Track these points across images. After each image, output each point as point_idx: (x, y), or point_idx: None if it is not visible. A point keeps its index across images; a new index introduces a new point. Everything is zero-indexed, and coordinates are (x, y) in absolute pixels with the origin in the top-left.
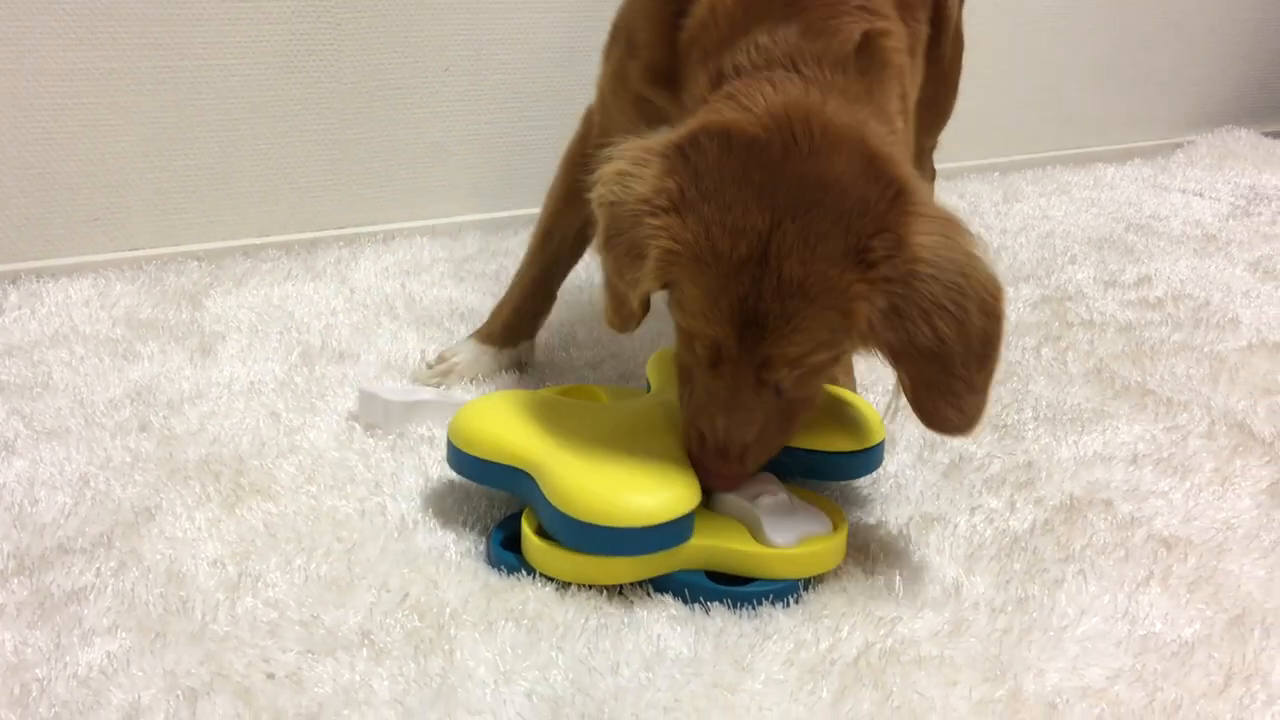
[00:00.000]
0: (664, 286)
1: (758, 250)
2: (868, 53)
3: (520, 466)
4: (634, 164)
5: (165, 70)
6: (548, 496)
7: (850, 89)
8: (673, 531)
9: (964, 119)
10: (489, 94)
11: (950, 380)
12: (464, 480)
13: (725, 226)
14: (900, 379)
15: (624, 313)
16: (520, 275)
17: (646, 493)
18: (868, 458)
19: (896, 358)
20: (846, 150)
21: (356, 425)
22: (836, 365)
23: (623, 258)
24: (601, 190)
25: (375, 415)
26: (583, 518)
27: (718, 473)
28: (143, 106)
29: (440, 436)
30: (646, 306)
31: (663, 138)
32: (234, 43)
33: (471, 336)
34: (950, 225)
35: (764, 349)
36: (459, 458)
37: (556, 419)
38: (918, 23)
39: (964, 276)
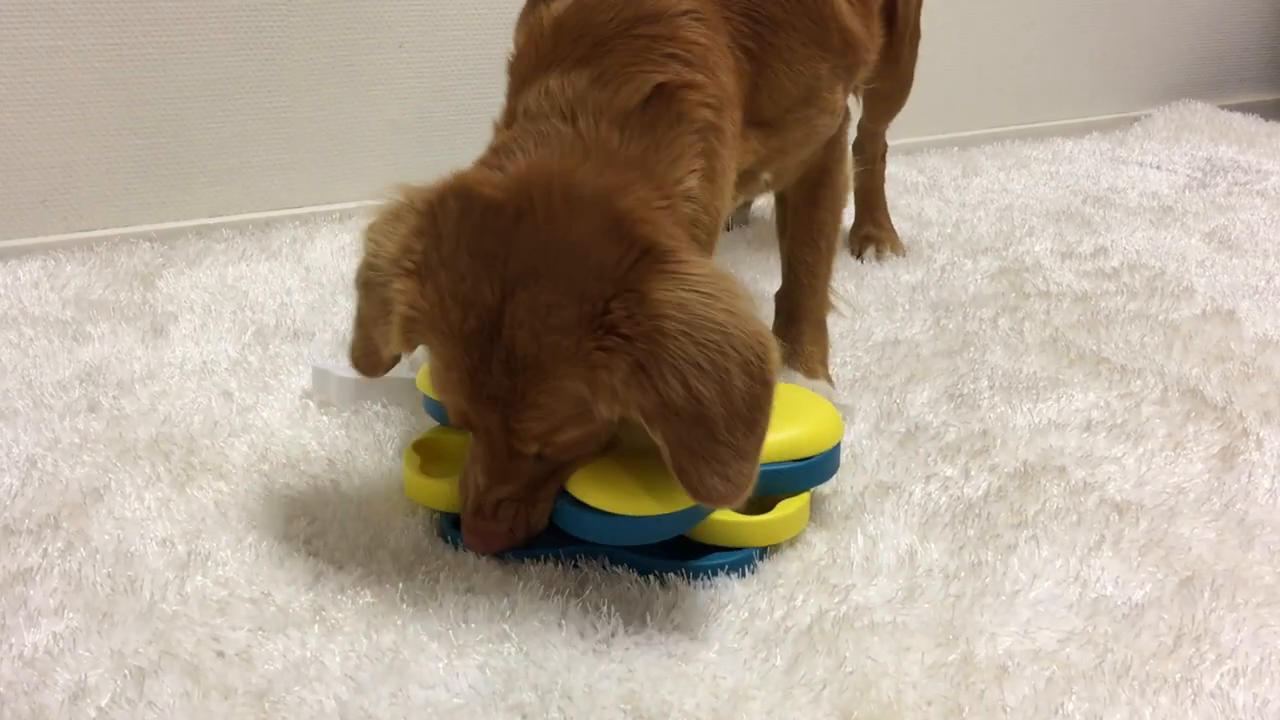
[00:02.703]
0: (413, 349)
1: (488, 323)
2: (660, 106)
3: None
4: (391, 218)
5: (113, 48)
6: None
7: (623, 148)
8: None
9: (923, 94)
10: (444, 70)
11: (714, 446)
12: None
13: (458, 297)
14: (659, 444)
15: (373, 360)
16: None
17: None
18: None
19: (651, 420)
20: (588, 215)
21: (310, 403)
22: (604, 431)
23: (375, 311)
24: (363, 241)
25: (329, 392)
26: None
27: (474, 529)
28: (90, 85)
29: (395, 413)
30: (397, 359)
31: (424, 191)
32: (182, 20)
33: None
34: (711, 283)
35: (506, 423)
36: (433, 406)
37: None
38: (769, 69)
39: (723, 335)
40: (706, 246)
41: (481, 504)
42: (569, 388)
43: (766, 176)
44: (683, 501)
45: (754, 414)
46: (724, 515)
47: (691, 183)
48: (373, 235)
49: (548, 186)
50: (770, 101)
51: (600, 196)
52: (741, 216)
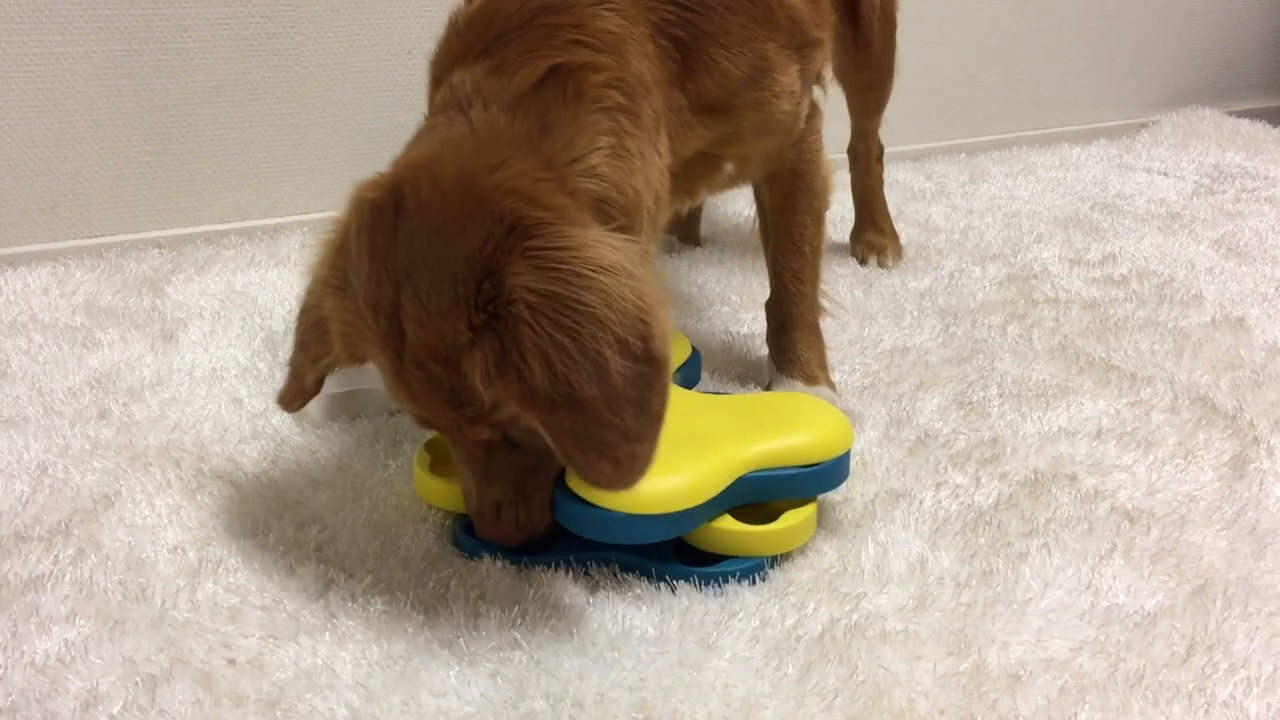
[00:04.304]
0: (363, 362)
1: (393, 321)
2: (554, 87)
3: None
4: (324, 241)
5: (123, 55)
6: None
7: (509, 128)
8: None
9: (931, 101)
10: None
11: (598, 429)
12: None
13: (368, 303)
14: (541, 431)
15: (294, 388)
16: None
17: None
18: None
19: (524, 407)
20: (453, 198)
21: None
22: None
23: (309, 332)
24: (308, 262)
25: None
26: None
27: (484, 532)
28: (100, 92)
29: (404, 421)
30: (319, 386)
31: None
32: (191, 27)
33: None
34: (581, 258)
35: (447, 413)
36: None
37: None
38: (704, 54)
39: (588, 315)
40: (629, 229)
41: (482, 510)
42: (464, 370)
43: (729, 168)
44: (685, 501)
45: (642, 393)
46: (729, 524)
47: (595, 159)
48: (313, 259)
49: (416, 178)
50: (714, 85)
51: (466, 176)
52: (690, 233)
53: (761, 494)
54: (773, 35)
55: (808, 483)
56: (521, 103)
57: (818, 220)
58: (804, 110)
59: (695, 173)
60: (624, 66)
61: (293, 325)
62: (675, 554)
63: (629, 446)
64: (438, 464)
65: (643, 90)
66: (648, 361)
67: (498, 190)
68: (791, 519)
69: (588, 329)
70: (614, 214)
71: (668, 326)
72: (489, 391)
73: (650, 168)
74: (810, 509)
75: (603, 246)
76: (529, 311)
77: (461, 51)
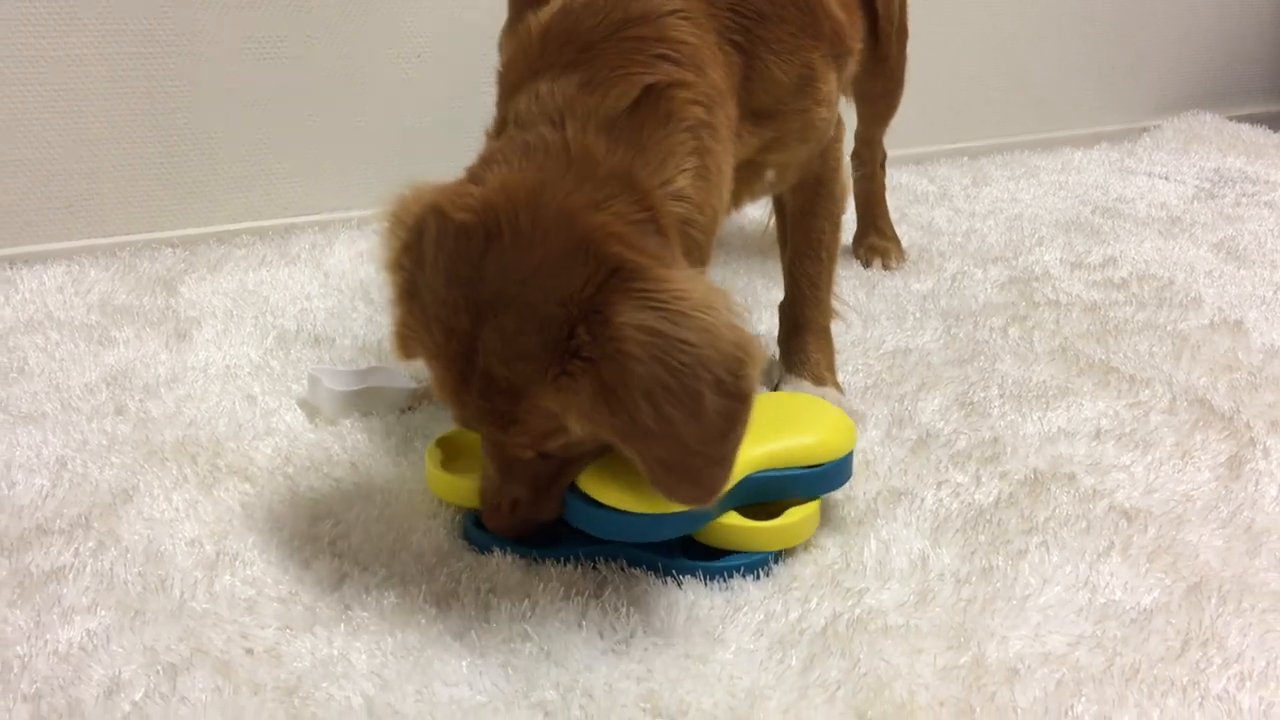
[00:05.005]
0: (415, 358)
1: (466, 348)
2: (648, 107)
3: None
4: (392, 223)
5: (136, 57)
6: None
7: (609, 155)
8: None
9: (933, 104)
10: (462, 80)
11: (689, 459)
12: None
13: (440, 322)
14: (633, 459)
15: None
16: None
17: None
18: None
19: (623, 440)
20: (554, 236)
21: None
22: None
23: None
24: (379, 226)
25: (319, 400)
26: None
27: (491, 521)
28: (114, 93)
29: (416, 418)
30: None
31: (413, 205)
32: (205, 30)
33: None
34: (683, 299)
35: (498, 435)
36: None
37: None
38: (759, 60)
39: (693, 355)
40: (702, 246)
41: (497, 502)
42: (542, 407)
43: (770, 175)
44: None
45: (729, 426)
46: (734, 520)
47: (683, 182)
48: (382, 227)
49: (514, 207)
50: (764, 93)
51: (568, 215)
52: None
53: (767, 493)
54: (818, 44)
55: (812, 483)
56: (617, 124)
57: (835, 226)
58: (835, 117)
59: (740, 181)
60: (705, 79)
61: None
62: (681, 550)
63: (710, 470)
64: (450, 460)
65: (719, 100)
66: (739, 399)
67: (600, 232)
68: (796, 514)
69: (693, 370)
70: (695, 234)
71: (761, 365)
72: (580, 426)
73: (725, 181)
74: (814, 505)
75: (699, 288)
76: (640, 350)
77: (541, 64)
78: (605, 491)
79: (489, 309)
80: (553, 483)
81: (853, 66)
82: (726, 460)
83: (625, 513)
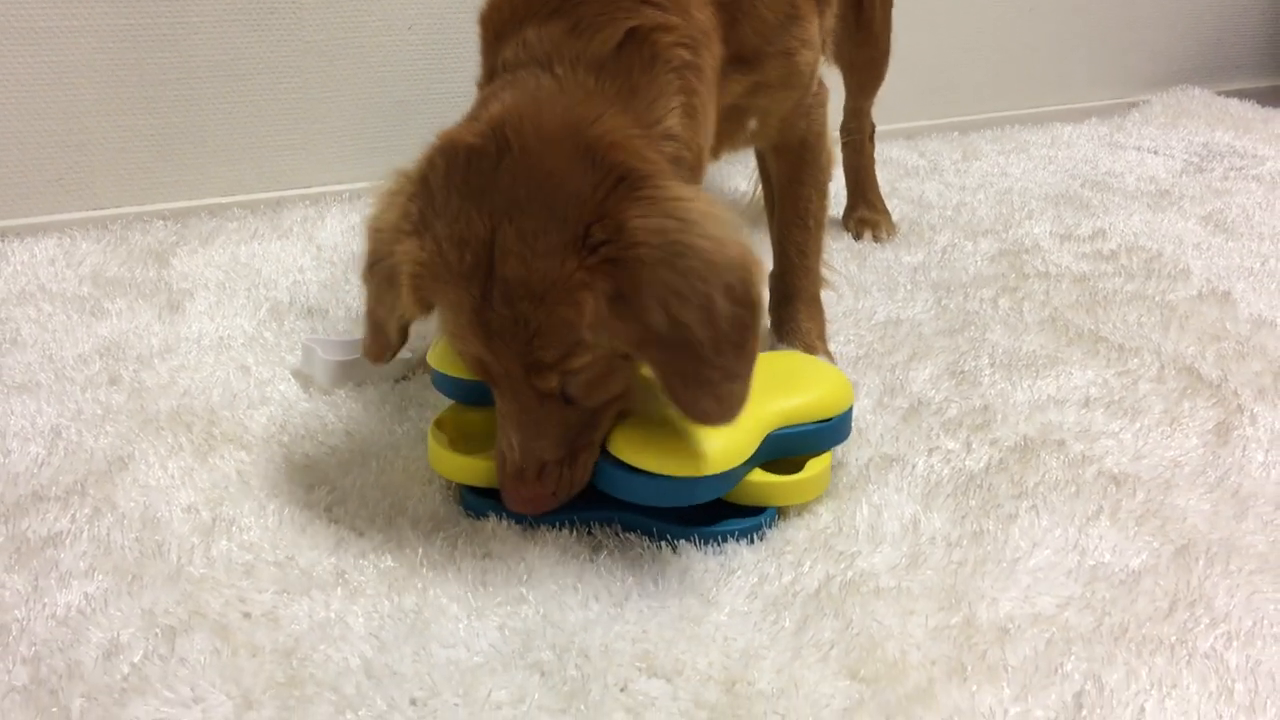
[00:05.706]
0: (427, 310)
1: (483, 257)
2: (633, 49)
3: None
4: (390, 191)
5: (126, 29)
6: None
7: (601, 89)
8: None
9: (924, 79)
10: (453, 52)
11: (704, 369)
12: None
13: (453, 240)
14: (651, 369)
15: (381, 341)
16: None
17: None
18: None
19: (638, 348)
20: (562, 146)
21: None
22: (625, 371)
23: (382, 284)
24: (367, 217)
25: (314, 370)
26: None
27: (518, 496)
28: (104, 65)
29: (410, 387)
30: (404, 336)
31: (416, 161)
32: (196, 1)
33: None
34: (691, 207)
35: (521, 358)
36: (442, 381)
37: None
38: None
39: (703, 261)
40: (693, 184)
41: (524, 468)
42: (564, 313)
43: (752, 123)
44: (726, 462)
45: (742, 335)
46: (764, 476)
47: (671, 121)
48: (374, 210)
49: (521, 124)
50: (752, 32)
51: (572, 126)
52: None
53: (785, 450)
54: None
55: (824, 437)
56: (605, 65)
57: (822, 194)
58: (818, 70)
59: (723, 127)
60: (689, 21)
61: (364, 277)
62: (675, 514)
63: (729, 384)
64: (451, 445)
65: (704, 41)
66: (748, 305)
67: (603, 141)
68: (817, 466)
69: (703, 275)
70: (682, 173)
71: (764, 272)
72: (595, 333)
73: (709, 122)
74: (828, 458)
75: (702, 199)
76: (653, 254)
77: (526, 11)
78: (640, 456)
79: (504, 216)
80: (579, 438)
81: (831, 19)
82: (743, 377)
83: (661, 476)
